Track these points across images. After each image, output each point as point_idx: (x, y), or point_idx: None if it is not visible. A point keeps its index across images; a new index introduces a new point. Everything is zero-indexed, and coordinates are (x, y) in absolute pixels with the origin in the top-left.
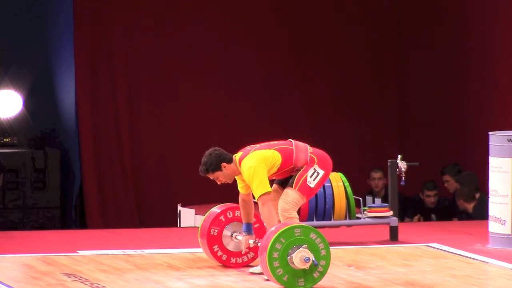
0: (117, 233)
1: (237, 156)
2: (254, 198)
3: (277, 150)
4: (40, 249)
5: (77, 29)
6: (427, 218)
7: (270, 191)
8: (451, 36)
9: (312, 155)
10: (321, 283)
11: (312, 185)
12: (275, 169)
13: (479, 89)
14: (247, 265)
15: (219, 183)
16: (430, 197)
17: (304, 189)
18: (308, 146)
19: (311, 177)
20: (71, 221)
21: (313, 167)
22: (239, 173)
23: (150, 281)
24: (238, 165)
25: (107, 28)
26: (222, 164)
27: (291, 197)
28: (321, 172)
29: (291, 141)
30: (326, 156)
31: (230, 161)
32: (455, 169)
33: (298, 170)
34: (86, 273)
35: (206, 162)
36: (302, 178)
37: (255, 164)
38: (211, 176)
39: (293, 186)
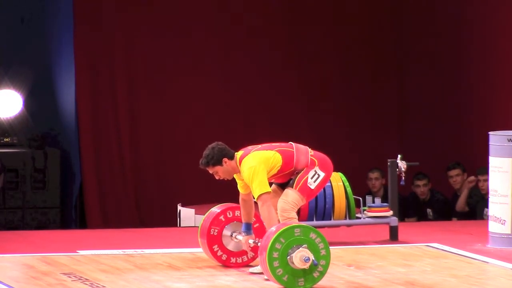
0: (117, 233)
1: (238, 154)
2: (253, 197)
3: (278, 151)
4: (40, 249)
5: (77, 28)
6: (423, 214)
7: (270, 191)
8: (451, 36)
9: (313, 158)
10: (321, 283)
11: (312, 187)
12: (275, 171)
13: (479, 89)
14: (247, 265)
15: (217, 177)
16: (419, 187)
17: (305, 190)
18: (309, 148)
19: (311, 178)
20: (71, 221)
21: (314, 169)
22: (239, 171)
23: (150, 281)
24: (238, 163)
25: (107, 28)
26: (223, 159)
27: (291, 198)
28: (322, 174)
29: (291, 144)
30: (326, 159)
31: (231, 157)
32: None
33: (298, 173)
34: (86, 273)
35: (208, 155)
36: (303, 180)
37: (255, 164)
38: (210, 170)
39: (294, 187)
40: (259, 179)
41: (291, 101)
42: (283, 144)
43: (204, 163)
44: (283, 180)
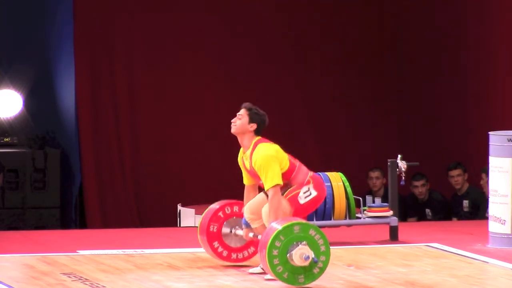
0: (117, 233)
1: (256, 138)
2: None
3: (288, 158)
4: (40, 249)
5: (77, 28)
6: (422, 214)
7: (281, 184)
8: (450, 36)
9: (310, 179)
10: (321, 283)
11: (301, 201)
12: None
13: (479, 89)
14: (248, 259)
15: (234, 120)
16: (417, 188)
17: (293, 201)
18: (310, 172)
19: (303, 193)
20: (71, 221)
21: (307, 186)
22: (247, 148)
23: (150, 281)
24: (252, 143)
25: (107, 27)
26: (254, 124)
27: None
28: (314, 193)
29: (297, 161)
30: (322, 182)
31: (258, 132)
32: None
33: (290, 187)
34: (86, 273)
35: (257, 110)
36: (295, 192)
37: (273, 153)
38: (242, 112)
39: (284, 196)
40: (274, 170)
41: (291, 101)
42: (291, 156)
43: (248, 106)
44: None
